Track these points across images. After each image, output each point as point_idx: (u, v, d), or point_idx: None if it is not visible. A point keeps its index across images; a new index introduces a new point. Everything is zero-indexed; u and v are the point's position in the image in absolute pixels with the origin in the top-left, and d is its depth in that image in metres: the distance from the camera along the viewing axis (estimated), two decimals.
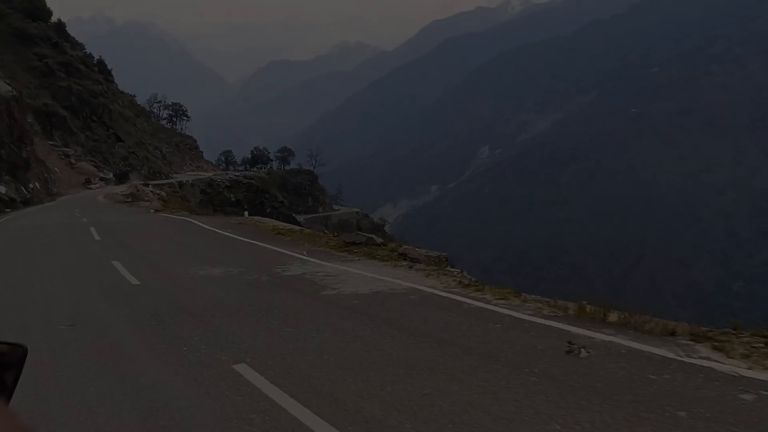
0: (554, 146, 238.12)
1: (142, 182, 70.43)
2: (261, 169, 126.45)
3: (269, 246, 12.59)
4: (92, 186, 66.27)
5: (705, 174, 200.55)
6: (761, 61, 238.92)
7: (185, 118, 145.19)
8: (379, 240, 11.44)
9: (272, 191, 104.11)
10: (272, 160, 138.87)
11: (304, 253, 11.23)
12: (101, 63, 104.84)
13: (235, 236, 14.72)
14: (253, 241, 13.55)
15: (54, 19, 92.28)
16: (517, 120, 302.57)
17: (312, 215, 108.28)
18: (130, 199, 39.60)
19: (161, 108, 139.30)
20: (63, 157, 70.36)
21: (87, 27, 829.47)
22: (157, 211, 26.38)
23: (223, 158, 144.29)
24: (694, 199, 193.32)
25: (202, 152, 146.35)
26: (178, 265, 10.36)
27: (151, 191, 61.07)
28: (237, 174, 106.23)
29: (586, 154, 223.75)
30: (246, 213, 22.79)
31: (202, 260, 10.73)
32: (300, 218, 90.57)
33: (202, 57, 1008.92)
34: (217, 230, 16.45)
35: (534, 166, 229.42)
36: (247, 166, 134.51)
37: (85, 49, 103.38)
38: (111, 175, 77.29)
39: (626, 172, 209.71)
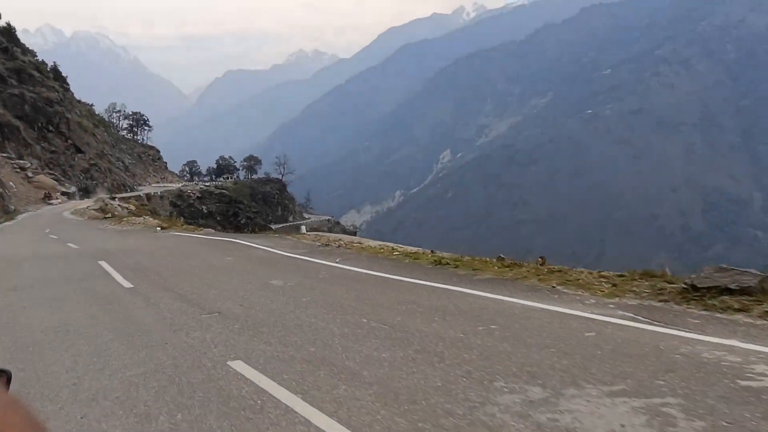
0: (513, 149, 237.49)
1: (108, 196, 63.19)
2: (227, 179, 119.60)
3: (500, 297, 6.29)
4: (53, 201, 58.59)
5: (658, 172, 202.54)
6: (706, 62, 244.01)
7: (147, 127, 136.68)
8: None
9: (246, 201, 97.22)
10: (238, 170, 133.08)
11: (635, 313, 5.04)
12: (56, 69, 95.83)
13: (372, 272, 8.45)
14: (438, 285, 7.25)
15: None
16: (477, 124, 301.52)
17: (282, 225, 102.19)
18: (109, 215, 32.90)
19: (121, 118, 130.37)
20: (18, 170, 62.56)
21: (34, 39, 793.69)
22: (163, 229, 19.90)
23: (187, 169, 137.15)
24: (650, 196, 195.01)
25: (166, 163, 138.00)
26: (442, 384, 3.84)
27: (119, 205, 54.11)
28: (207, 184, 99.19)
29: (544, 156, 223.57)
30: (304, 228, 16.22)
31: (467, 363, 4.28)
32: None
33: (156, 68, 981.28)
34: (315, 260, 10.23)
35: (495, 169, 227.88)
36: (213, 176, 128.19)
37: (36, 55, 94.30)
38: (73, 189, 69.37)
39: (584, 172, 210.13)
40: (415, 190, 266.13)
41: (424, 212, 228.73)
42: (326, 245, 12.05)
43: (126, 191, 79.95)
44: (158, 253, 12.79)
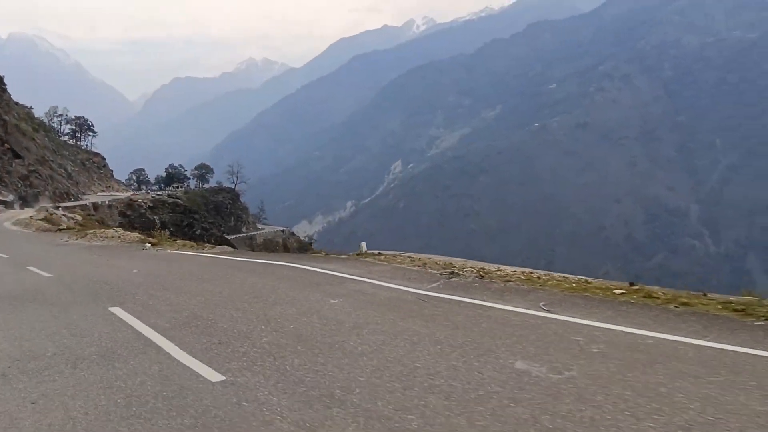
0: (464, 160, 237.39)
1: (51, 205, 56.65)
2: (177, 188, 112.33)
3: None
4: None
5: (603, 184, 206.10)
6: (645, 78, 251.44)
7: (91, 133, 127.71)
8: None
9: (201, 212, 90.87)
10: (189, 178, 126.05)
11: None
12: None
13: (671, 336, 4.49)
14: None
15: None
16: (428, 135, 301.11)
17: (236, 235, 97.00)
18: (63, 227, 27.54)
19: (63, 122, 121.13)
20: None
21: None
22: (153, 245, 15.24)
23: (134, 177, 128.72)
24: (595, 207, 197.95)
25: (111, 171, 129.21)
26: None
27: (64, 215, 48.12)
28: (160, 193, 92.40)
29: (494, 167, 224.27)
30: (364, 246, 11.59)
31: None
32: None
33: (99, 73, 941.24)
34: (488, 303, 6.05)
35: (446, 180, 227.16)
36: (161, 184, 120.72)
37: None
38: (11, 198, 62.21)
39: (533, 183, 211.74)
40: (367, 200, 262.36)
41: (376, 222, 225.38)
42: (452, 273, 7.86)
43: (70, 200, 73.00)
44: (198, 288, 8.05)
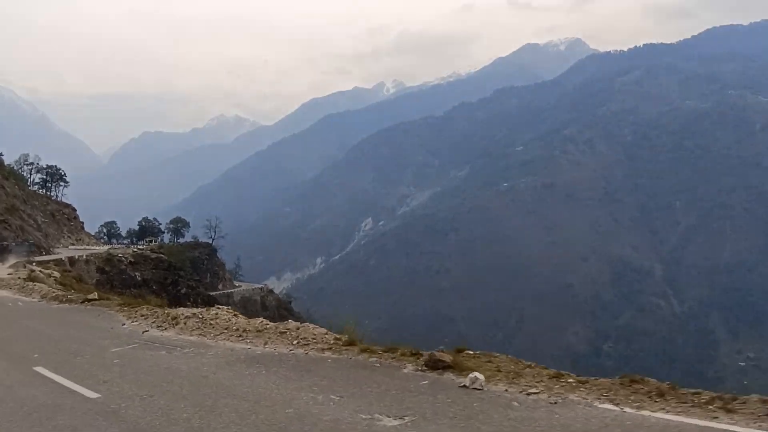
0: (434, 218, 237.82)
1: (26, 260, 51.60)
2: (151, 242, 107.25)
3: None
4: None
5: (570, 243, 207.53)
6: (607, 142, 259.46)
7: (63, 183, 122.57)
8: None
9: (187, 268, 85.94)
10: (163, 232, 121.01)
11: None
12: None
13: None
14: None
15: None
16: (397, 194, 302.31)
17: (213, 293, 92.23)
18: (92, 296, 18.97)
19: (33, 171, 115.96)
20: None
21: None
22: (459, 371, 7.36)
23: (104, 230, 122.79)
24: (563, 266, 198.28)
25: (83, 223, 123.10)
26: None
27: (41, 271, 43.41)
28: (142, 248, 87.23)
29: (463, 226, 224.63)
30: None
31: None
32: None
33: (66, 125, 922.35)
34: None
35: (416, 238, 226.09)
36: (134, 238, 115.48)
37: None
38: None
39: (501, 242, 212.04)
40: (336, 257, 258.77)
41: (346, 279, 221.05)
42: None
43: (41, 253, 67.59)
44: None
